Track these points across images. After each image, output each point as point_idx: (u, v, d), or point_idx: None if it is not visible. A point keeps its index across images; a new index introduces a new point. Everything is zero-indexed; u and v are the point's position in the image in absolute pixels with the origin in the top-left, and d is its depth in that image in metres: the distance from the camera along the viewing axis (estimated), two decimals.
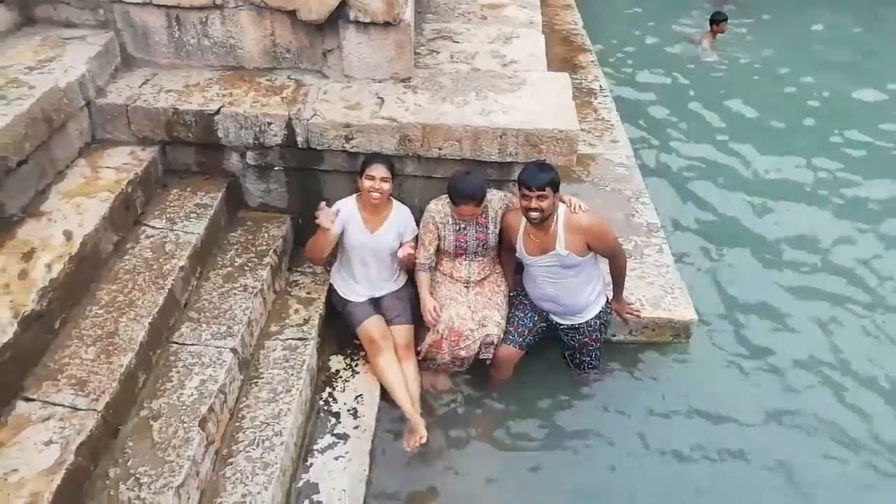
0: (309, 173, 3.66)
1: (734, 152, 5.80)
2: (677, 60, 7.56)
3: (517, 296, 3.65)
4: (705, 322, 4.03)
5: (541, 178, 3.13)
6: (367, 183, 3.31)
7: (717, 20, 7.53)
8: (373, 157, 3.37)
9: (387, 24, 3.54)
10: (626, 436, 3.41)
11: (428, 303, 3.44)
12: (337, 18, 3.53)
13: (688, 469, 3.28)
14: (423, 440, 3.18)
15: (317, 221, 3.29)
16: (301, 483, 2.88)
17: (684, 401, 3.59)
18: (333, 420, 3.18)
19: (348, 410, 3.23)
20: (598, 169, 4.80)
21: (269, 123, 3.43)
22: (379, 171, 3.31)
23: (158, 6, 3.56)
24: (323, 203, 3.32)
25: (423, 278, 3.53)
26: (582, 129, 5.08)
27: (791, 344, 3.97)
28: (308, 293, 3.59)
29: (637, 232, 4.29)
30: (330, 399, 3.29)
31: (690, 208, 5.07)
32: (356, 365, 3.49)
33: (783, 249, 4.72)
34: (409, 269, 3.65)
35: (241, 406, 2.94)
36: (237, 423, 2.87)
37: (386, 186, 3.33)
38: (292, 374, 3.09)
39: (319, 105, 3.49)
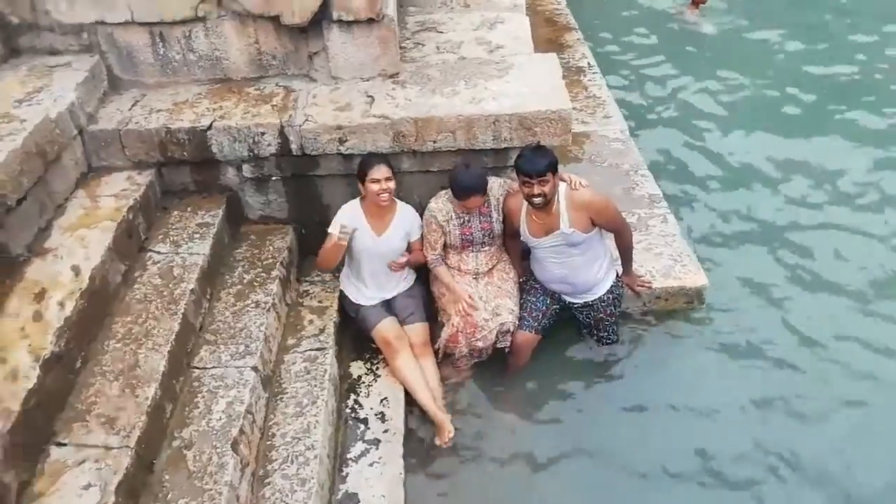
0: (306, 180, 3.62)
1: (729, 119, 5.79)
2: (663, 33, 7.48)
3: (527, 281, 3.65)
4: (718, 287, 4.00)
5: (540, 163, 3.11)
6: (373, 187, 3.27)
7: None
8: (371, 159, 3.33)
9: (370, 21, 3.49)
10: (644, 420, 3.41)
11: (462, 293, 3.43)
12: (320, 20, 3.47)
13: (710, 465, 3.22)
14: (452, 434, 3.21)
15: (339, 241, 3.29)
16: (340, 495, 2.88)
17: (701, 385, 3.55)
18: (362, 426, 3.18)
19: (376, 415, 3.23)
20: (594, 146, 4.78)
21: (262, 133, 3.38)
22: (382, 171, 3.28)
23: (141, 24, 3.49)
24: (340, 224, 3.32)
25: (442, 271, 3.52)
26: (574, 108, 4.99)
27: (808, 310, 3.95)
28: (320, 302, 3.56)
29: (639, 205, 4.29)
30: (356, 406, 3.28)
31: (690, 177, 5.07)
32: (377, 368, 3.48)
33: (787, 208, 4.73)
34: (418, 267, 3.64)
35: (270, 423, 2.93)
36: (268, 442, 2.86)
37: (392, 185, 3.30)
38: (315, 386, 3.08)
39: (310, 110, 3.45)
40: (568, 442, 3.33)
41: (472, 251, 3.54)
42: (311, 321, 3.44)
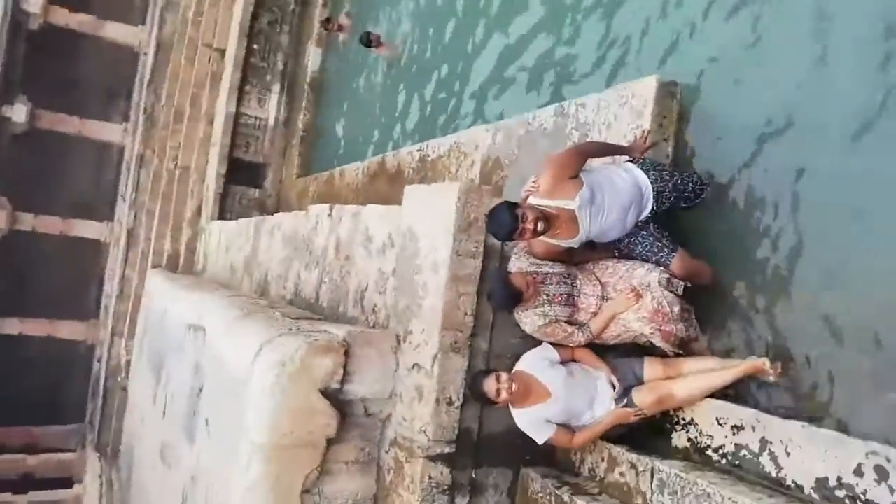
0: (486, 447, 3.67)
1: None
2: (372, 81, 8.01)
3: (620, 250, 3.56)
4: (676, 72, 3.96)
5: (504, 220, 3.16)
6: (503, 396, 3.27)
7: (367, 42, 7.97)
8: (473, 389, 3.40)
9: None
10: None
11: (620, 301, 3.34)
12: None
13: None
14: (767, 364, 3.10)
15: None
16: None
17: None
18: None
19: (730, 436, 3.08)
20: (500, 154, 4.86)
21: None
22: (490, 384, 3.29)
23: None
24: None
25: (597, 323, 3.41)
26: (461, 169, 5.27)
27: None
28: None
29: (562, 128, 4.27)
30: (721, 452, 3.12)
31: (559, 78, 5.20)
32: (682, 420, 3.38)
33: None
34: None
35: None
36: None
37: (503, 376, 3.30)
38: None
39: (413, 425, 3.56)
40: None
41: (581, 297, 3.46)
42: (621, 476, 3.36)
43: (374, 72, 8.45)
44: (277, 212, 7.68)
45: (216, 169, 9.80)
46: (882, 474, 2.57)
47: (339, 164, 8.33)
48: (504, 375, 3.30)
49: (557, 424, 3.37)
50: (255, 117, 10.30)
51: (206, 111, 10.41)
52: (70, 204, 11.26)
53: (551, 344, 3.50)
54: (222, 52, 10.43)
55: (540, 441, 3.40)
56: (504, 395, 3.26)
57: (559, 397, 3.35)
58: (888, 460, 2.56)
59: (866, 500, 2.61)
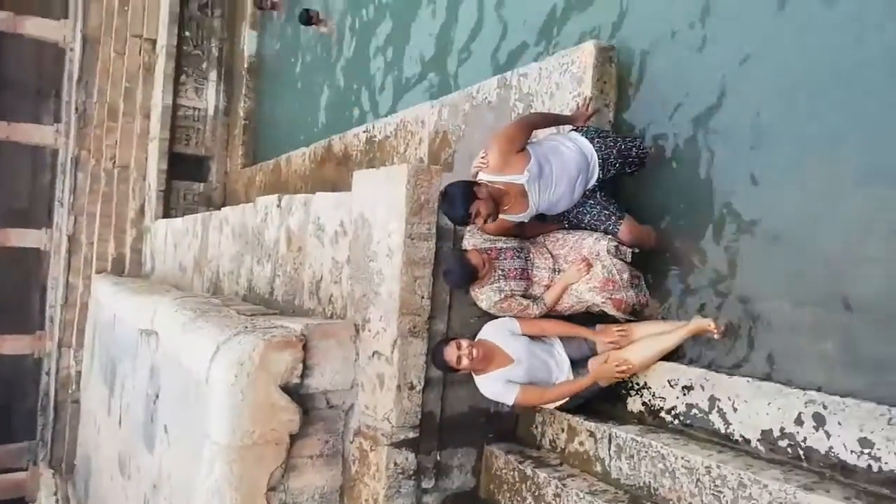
0: (448, 430, 3.71)
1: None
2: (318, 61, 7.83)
3: (569, 221, 3.60)
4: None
5: (457, 203, 3.16)
6: (464, 363, 3.29)
7: (306, 19, 7.77)
8: (435, 357, 3.37)
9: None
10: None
11: (571, 273, 3.41)
12: None
13: None
14: (711, 324, 3.20)
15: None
16: None
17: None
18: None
19: (681, 403, 3.19)
20: (446, 129, 4.85)
21: None
22: (450, 351, 3.29)
23: None
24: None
25: (550, 294, 3.47)
26: (409, 150, 5.24)
27: None
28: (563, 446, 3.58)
29: (505, 100, 4.29)
30: (673, 413, 3.24)
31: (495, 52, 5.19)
32: (635, 386, 3.48)
33: None
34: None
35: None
36: None
37: (464, 343, 3.32)
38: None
39: (372, 415, 3.58)
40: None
41: (534, 270, 3.51)
42: (581, 446, 3.44)
43: (312, 52, 8.28)
44: (225, 205, 7.56)
45: (157, 165, 9.52)
46: (819, 421, 2.71)
47: (285, 151, 8.19)
48: (465, 342, 3.33)
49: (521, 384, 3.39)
50: (194, 108, 10.05)
51: (142, 105, 10.10)
52: (4, 213, 10.84)
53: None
54: (153, 42, 10.10)
55: (509, 401, 3.40)
56: (465, 361, 3.28)
57: (521, 362, 3.39)
58: (824, 407, 2.70)
59: (806, 447, 2.74)
